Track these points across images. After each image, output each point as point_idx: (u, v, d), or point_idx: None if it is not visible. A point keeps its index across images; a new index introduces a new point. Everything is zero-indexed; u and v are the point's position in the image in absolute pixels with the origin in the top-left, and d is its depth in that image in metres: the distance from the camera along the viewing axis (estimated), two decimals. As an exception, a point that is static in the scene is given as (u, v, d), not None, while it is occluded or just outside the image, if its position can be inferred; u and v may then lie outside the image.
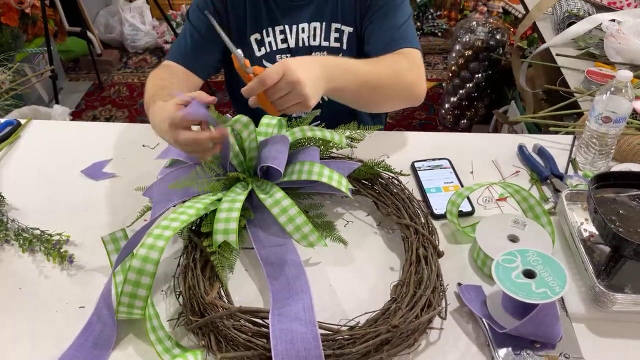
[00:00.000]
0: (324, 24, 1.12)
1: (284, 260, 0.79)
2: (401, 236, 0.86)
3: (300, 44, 1.13)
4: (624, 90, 0.92)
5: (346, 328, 0.68)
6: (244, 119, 0.84)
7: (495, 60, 2.36)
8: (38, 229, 0.88)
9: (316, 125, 0.94)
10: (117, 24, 3.25)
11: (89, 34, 2.96)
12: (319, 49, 1.13)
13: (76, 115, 2.75)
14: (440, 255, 0.81)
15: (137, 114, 2.79)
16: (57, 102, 2.54)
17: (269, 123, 0.94)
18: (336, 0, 1.10)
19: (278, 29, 1.12)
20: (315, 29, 1.12)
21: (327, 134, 0.90)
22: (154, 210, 0.82)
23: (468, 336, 0.74)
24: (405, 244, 0.83)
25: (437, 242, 0.82)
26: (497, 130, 2.33)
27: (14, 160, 1.07)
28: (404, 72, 1.00)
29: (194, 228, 0.83)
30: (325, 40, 1.13)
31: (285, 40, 1.13)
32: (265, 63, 1.14)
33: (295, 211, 0.81)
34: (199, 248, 0.79)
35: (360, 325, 0.70)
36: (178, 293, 0.77)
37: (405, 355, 0.70)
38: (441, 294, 0.75)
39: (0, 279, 0.82)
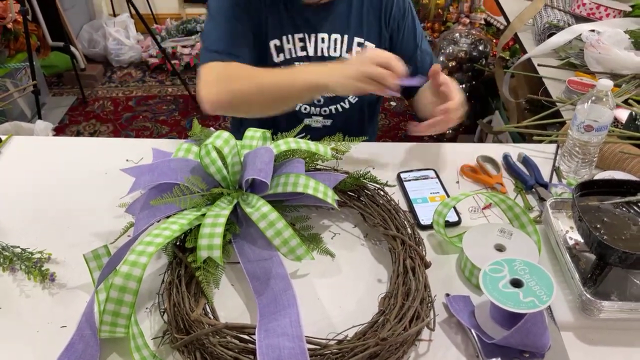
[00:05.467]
0: (346, 36, 1.14)
1: (270, 274, 0.78)
2: (388, 247, 0.85)
3: (319, 53, 1.14)
4: (604, 99, 0.93)
5: (334, 342, 0.67)
6: (225, 134, 0.84)
7: (478, 71, 2.38)
8: (18, 246, 0.86)
9: (301, 138, 0.93)
10: (101, 38, 3.23)
11: (72, 49, 2.94)
12: (339, 59, 1.15)
13: (59, 131, 2.72)
14: (427, 265, 0.81)
15: (121, 128, 2.77)
16: (40, 117, 2.51)
17: (253, 135, 0.93)
18: (360, 15, 1.14)
19: (297, 36, 1.12)
20: (335, 40, 1.14)
21: (312, 146, 0.90)
22: (136, 227, 0.80)
23: (457, 347, 0.73)
24: (392, 255, 0.82)
25: (423, 252, 0.82)
26: (481, 139, 2.35)
27: (-6, 176, 1.05)
28: None
29: (178, 243, 0.82)
30: (346, 52, 1.15)
31: (304, 48, 1.13)
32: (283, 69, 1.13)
33: (282, 224, 0.80)
34: (184, 264, 0.78)
35: (348, 338, 0.69)
36: (162, 310, 0.75)
37: (394, 368, 0.69)
38: (429, 304, 0.75)
39: (-21, 299, 0.80)
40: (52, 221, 0.94)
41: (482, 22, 3.35)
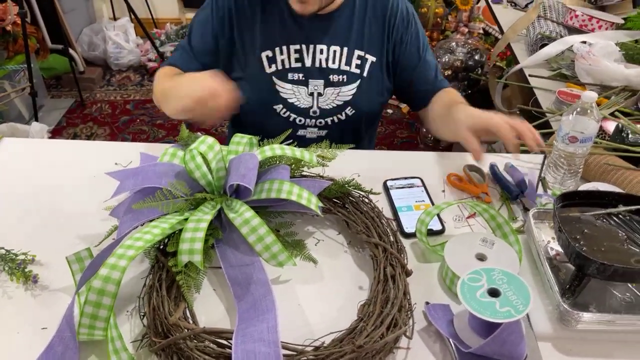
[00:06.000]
0: (345, 48, 1.14)
1: (251, 279, 0.78)
2: (369, 255, 0.86)
3: (317, 64, 1.14)
4: (589, 111, 0.94)
5: (311, 348, 0.68)
6: (209, 139, 0.84)
7: (474, 80, 2.40)
8: (3, 248, 0.87)
9: (288, 145, 0.94)
10: (100, 41, 3.25)
11: (71, 51, 2.95)
12: (337, 72, 1.15)
13: (57, 133, 2.73)
14: (408, 273, 0.81)
15: (118, 131, 2.78)
16: (37, 120, 2.52)
17: (239, 141, 0.94)
18: (361, 28, 1.13)
19: (293, 47, 1.13)
20: (334, 52, 1.14)
21: (297, 152, 0.91)
22: (119, 230, 0.81)
23: (435, 355, 0.73)
24: (374, 263, 0.83)
25: (405, 260, 0.82)
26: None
27: (-17, 178, 1.06)
28: None
29: (160, 247, 0.82)
30: (346, 65, 1.15)
31: (299, 60, 1.13)
32: (275, 79, 1.14)
33: (265, 230, 0.81)
34: (165, 268, 0.78)
35: (325, 345, 0.69)
36: (142, 314, 0.76)
37: (370, 375, 0.70)
38: (408, 312, 0.75)
39: (-38, 300, 0.81)
40: (38, 223, 0.94)
41: (481, 31, 3.37)
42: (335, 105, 1.18)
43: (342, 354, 0.66)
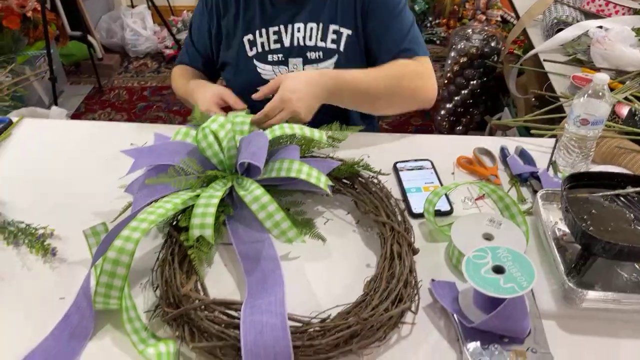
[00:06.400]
0: (321, 24, 1.14)
1: (261, 255, 0.80)
2: (377, 233, 0.87)
3: (295, 43, 1.16)
4: (601, 93, 0.93)
5: (317, 320, 0.70)
6: (221, 118, 0.86)
7: (490, 67, 2.38)
8: (23, 222, 0.90)
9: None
10: (118, 28, 3.29)
11: (90, 38, 3.00)
12: (315, 48, 1.16)
13: (75, 118, 2.78)
14: (415, 251, 0.82)
15: (135, 117, 2.82)
16: (57, 105, 2.57)
17: (244, 121, 0.96)
18: (334, 1, 1.13)
19: (272, 29, 1.15)
20: (311, 29, 1.15)
21: (307, 132, 0.92)
22: (134, 205, 0.83)
23: (439, 331, 0.75)
24: (381, 241, 0.84)
25: (412, 239, 0.83)
26: (492, 136, 2.34)
27: (4, 156, 1.09)
28: (410, 78, 1.09)
29: (174, 223, 0.85)
30: (321, 41, 1.15)
31: (278, 40, 1.15)
32: (256, 62, 1.17)
33: (274, 207, 0.82)
34: (178, 242, 0.81)
35: (331, 317, 0.71)
36: (155, 286, 0.78)
37: (375, 348, 0.71)
38: (413, 288, 0.77)
39: (-17, 271, 0.84)
40: (57, 200, 0.97)
41: (499, 19, 3.33)
42: None
43: (348, 326, 0.68)
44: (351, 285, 0.81)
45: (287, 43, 1.15)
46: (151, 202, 0.84)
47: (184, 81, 1.23)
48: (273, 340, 0.64)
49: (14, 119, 1.19)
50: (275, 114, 0.97)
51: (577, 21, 1.54)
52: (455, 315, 0.74)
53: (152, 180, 0.83)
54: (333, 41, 1.15)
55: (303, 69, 1.17)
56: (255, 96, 1.03)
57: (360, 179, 0.95)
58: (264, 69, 1.19)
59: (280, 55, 1.17)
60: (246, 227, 0.85)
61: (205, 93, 1.09)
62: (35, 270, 0.84)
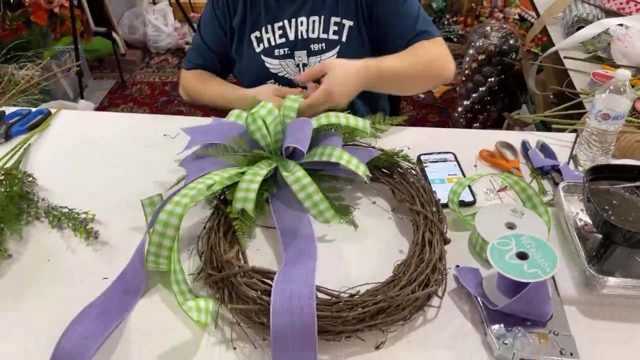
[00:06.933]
0: (323, 17, 1.19)
1: (299, 231, 0.86)
2: (411, 221, 0.90)
3: (299, 37, 1.21)
4: (622, 89, 0.96)
5: (346, 295, 0.73)
6: (269, 104, 0.93)
7: (508, 65, 2.39)
8: (66, 207, 0.95)
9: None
10: (140, 25, 3.35)
11: (114, 34, 3.06)
12: (317, 40, 1.20)
13: (100, 111, 2.85)
14: (446, 241, 0.85)
15: (157, 111, 2.88)
16: (82, 98, 2.63)
17: (291, 106, 1.00)
18: None
19: (277, 25, 1.20)
20: (314, 22, 1.19)
21: (352, 121, 0.97)
22: (187, 178, 0.91)
23: (464, 314, 0.78)
24: (414, 228, 0.88)
25: (444, 229, 0.87)
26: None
27: (44, 145, 1.15)
28: (435, 61, 1.15)
29: (221, 197, 0.91)
30: (323, 33, 1.20)
31: (283, 35, 1.21)
32: (263, 57, 1.23)
33: (313, 189, 0.88)
34: (224, 214, 0.87)
35: (360, 294, 0.75)
36: (201, 252, 0.85)
37: (400, 327, 0.75)
38: (441, 275, 0.80)
39: (31, 252, 0.89)
40: (96, 186, 1.02)
41: (516, 17, 3.33)
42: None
43: (375, 302, 0.71)
44: (382, 266, 0.84)
45: (291, 37, 1.20)
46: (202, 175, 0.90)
47: (204, 84, 1.27)
48: (300, 308, 0.68)
49: (52, 110, 1.25)
50: (319, 105, 1.01)
51: (598, 19, 1.56)
52: (479, 299, 0.77)
53: (204, 151, 0.91)
54: (335, 32, 1.19)
55: (308, 61, 1.22)
56: (298, 78, 1.07)
57: (399, 169, 0.98)
58: (271, 64, 1.23)
59: (286, 49, 1.22)
60: (287, 206, 0.91)
61: (260, 89, 1.16)
62: (79, 252, 0.89)
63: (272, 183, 0.94)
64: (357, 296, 0.73)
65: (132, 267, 0.81)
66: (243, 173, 0.89)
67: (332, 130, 1.00)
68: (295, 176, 0.88)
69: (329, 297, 0.72)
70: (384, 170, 0.99)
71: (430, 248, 0.81)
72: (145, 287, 0.81)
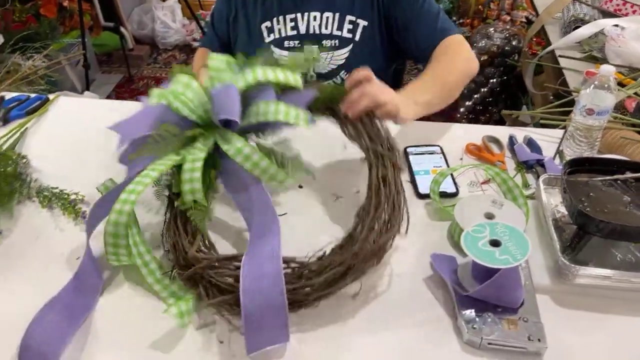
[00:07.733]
0: (337, 14, 1.19)
1: (256, 202, 0.82)
2: (361, 158, 0.89)
3: (311, 31, 1.21)
4: (606, 85, 0.96)
5: (314, 259, 0.74)
6: (184, 77, 0.88)
7: (510, 66, 2.39)
8: (57, 187, 0.98)
9: None
10: (149, 20, 3.40)
11: (122, 29, 3.10)
12: (330, 37, 1.21)
13: (105, 105, 2.89)
14: (395, 166, 0.83)
15: (162, 106, 2.91)
16: (89, 91, 2.68)
17: (219, 67, 0.92)
18: None
19: (289, 17, 1.21)
20: (327, 18, 1.20)
21: (280, 75, 0.88)
22: (128, 174, 0.86)
23: (437, 300, 0.79)
24: (369, 167, 0.85)
25: (396, 157, 0.85)
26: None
27: (41, 129, 1.18)
28: (464, 63, 1.14)
29: (171, 189, 0.86)
30: (337, 30, 1.21)
31: (294, 27, 1.22)
32: (273, 48, 1.23)
33: (258, 156, 0.82)
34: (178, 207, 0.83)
35: (326, 254, 0.76)
36: (167, 250, 0.84)
37: (372, 308, 0.78)
38: (400, 210, 0.80)
39: (21, 230, 0.92)
40: (88, 169, 1.05)
41: (523, 19, 3.33)
42: (330, 69, 1.24)
43: (339, 263, 0.72)
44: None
45: (302, 30, 1.21)
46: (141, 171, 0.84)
47: (200, 63, 1.34)
48: (268, 286, 0.69)
49: (50, 96, 1.28)
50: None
51: (595, 19, 1.56)
52: (451, 284, 0.78)
53: (133, 155, 0.85)
54: (349, 31, 1.20)
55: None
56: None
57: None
58: (281, 55, 1.25)
59: (296, 42, 1.23)
60: (237, 177, 0.85)
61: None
62: (67, 231, 0.92)
63: (217, 156, 0.87)
64: (324, 258, 0.74)
65: (84, 266, 0.81)
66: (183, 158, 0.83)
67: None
68: (235, 147, 0.82)
69: (297, 265, 0.73)
70: (331, 108, 0.94)
71: (385, 186, 0.80)
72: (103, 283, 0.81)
